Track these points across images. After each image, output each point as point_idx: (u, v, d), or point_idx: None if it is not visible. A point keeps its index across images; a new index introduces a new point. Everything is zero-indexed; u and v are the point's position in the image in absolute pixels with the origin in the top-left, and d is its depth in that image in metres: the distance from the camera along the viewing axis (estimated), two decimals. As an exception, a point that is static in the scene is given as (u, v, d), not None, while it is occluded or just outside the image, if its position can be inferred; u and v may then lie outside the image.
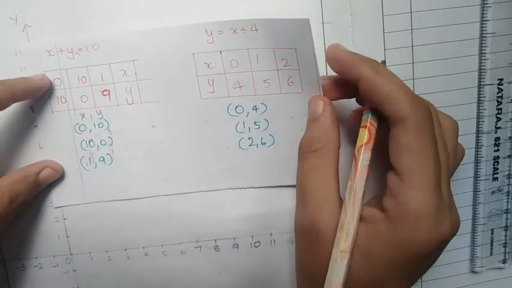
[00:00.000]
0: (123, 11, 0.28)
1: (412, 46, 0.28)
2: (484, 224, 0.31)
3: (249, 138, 0.28)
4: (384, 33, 0.28)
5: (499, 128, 0.30)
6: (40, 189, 0.28)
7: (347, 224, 0.22)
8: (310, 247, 0.23)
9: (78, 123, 0.28)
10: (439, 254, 0.23)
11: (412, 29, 0.28)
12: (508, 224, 0.32)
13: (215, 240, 0.29)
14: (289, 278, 0.30)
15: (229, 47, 0.27)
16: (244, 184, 0.29)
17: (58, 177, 0.28)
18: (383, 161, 0.23)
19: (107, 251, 0.30)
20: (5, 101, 0.25)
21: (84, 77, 0.28)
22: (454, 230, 0.22)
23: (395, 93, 0.21)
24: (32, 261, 0.30)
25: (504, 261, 0.32)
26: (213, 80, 0.27)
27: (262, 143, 0.28)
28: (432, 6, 0.27)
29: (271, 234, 0.29)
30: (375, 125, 0.23)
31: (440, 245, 0.21)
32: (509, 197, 0.31)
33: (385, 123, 0.23)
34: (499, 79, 0.29)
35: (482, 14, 0.28)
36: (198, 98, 0.28)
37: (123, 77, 0.28)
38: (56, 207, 0.29)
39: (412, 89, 0.29)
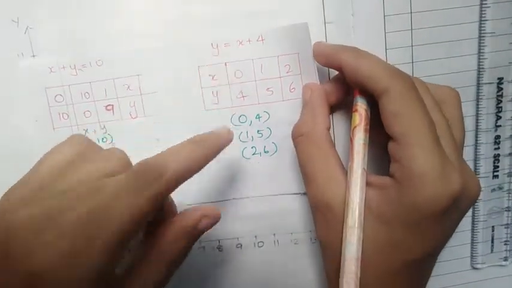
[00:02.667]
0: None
1: (412, 46, 0.28)
2: (484, 221, 0.31)
3: (252, 147, 0.29)
4: (385, 33, 0.28)
5: (499, 126, 0.30)
6: None
7: (351, 201, 0.22)
8: (325, 222, 0.24)
9: None
10: (461, 213, 0.23)
11: (412, 29, 0.28)
12: (509, 222, 0.32)
13: (218, 241, 0.30)
14: (292, 279, 0.30)
15: (235, 58, 0.27)
16: (249, 194, 0.29)
17: None
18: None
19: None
20: (202, 163, 0.22)
21: (87, 92, 0.28)
22: (469, 188, 0.22)
23: (375, 70, 0.22)
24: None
25: (506, 258, 0.32)
26: (217, 92, 0.28)
27: (265, 152, 0.29)
28: (432, 6, 0.28)
29: (274, 234, 0.30)
30: (364, 107, 0.24)
31: (454, 201, 0.21)
32: (510, 195, 0.31)
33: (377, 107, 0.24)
34: (498, 78, 0.29)
35: (481, 13, 0.28)
36: (202, 109, 0.28)
37: (127, 91, 0.28)
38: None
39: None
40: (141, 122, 0.28)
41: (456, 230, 0.31)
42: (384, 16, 0.28)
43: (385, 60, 0.28)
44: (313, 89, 0.26)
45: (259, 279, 0.30)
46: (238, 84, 0.28)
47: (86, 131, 0.28)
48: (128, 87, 0.28)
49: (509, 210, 0.32)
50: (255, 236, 0.29)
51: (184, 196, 0.28)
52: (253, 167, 0.29)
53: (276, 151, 0.29)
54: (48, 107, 0.28)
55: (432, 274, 0.31)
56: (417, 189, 0.21)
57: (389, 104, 0.22)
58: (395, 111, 0.22)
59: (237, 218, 0.29)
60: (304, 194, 0.29)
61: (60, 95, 0.28)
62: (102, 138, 0.28)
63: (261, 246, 0.30)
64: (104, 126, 0.28)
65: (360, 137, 0.23)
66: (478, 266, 0.32)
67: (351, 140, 0.24)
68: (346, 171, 0.24)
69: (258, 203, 0.29)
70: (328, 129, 0.25)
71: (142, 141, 0.28)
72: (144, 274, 0.21)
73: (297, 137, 0.25)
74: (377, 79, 0.22)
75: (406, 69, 0.28)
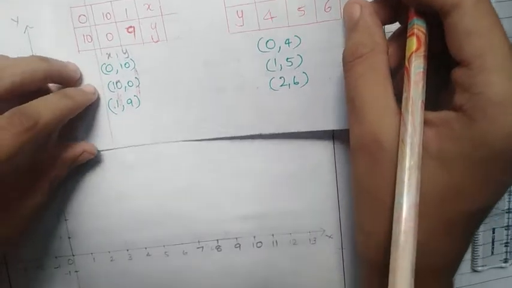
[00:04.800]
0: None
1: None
2: (485, 223, 0.31)
3: (280, 78, 0.26)
4: (385, 32, 0.28)
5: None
6: None
7: (409, 137, 0.19)
8: (373, 165, 0.21)
9: (104, 63, 0.27)
10: None
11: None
12: (510, 224, 0.32)
13: (217, 241, 0.29)
14: (291, 279, 0.30)
15: None
16: (276, 129, 0.27)
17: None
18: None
19: (109, 252, 0.30)
20: (71, 114, 0.26)
21: (108, 13, 0.27)
22: None
23: None
24: (34, 262, 0.30)
25: (506, 260, 0.32)
26: (242, 11, 0.26)
27: (294, 83, 0.26)
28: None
29: (273, 235, 0.29)
30: (423, 30, 0.21)
31: None
32: (511, 197, 0.31)
33: (436, 30, 0.21)
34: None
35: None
36: (226, 32, 0.26)
37: (147, 11, 0.27)
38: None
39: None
40: (163, 46, 0.27)
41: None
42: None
43: None
44: (364, 5, 0.22)
45: (258, 280, 0.30)
46: (266, 3, 0.25)
47: (109, 55, 0.27)
48: (149, 6, 0.26)
49: (509, 212, 0.32)
50: (254, 237, 0.29)
51: (204, 130, 0.27)
52: (281, 100, 0.27)
53: (307, 82, 0.26)
54: (73, 29, 0.27)
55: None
56: (492, 121, 0.17)
57: (462, 20, 0.18)
58: (468, 29, 0.18)
59: (236, 218, 0.29)
60: (334, 132, 0.27)
61: (84, 15, 0.27)
62: (125, 64, 0.27)
63: (260, 247, 0.29)
64: (126, 51, 0.27)
65: (418, 65, 0.20)
66: (479, 268, 0.32)
67: (406, 69, 0.20)
68: (396, 103, 0.21)
69: (257, 203, 0.29)
70: (388, 52, 0.21)
71: (165, 66, 0.27)
72: (30, 194, 0.25)
73: (352, 60, 0.22)
74: None
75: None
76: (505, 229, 0.32)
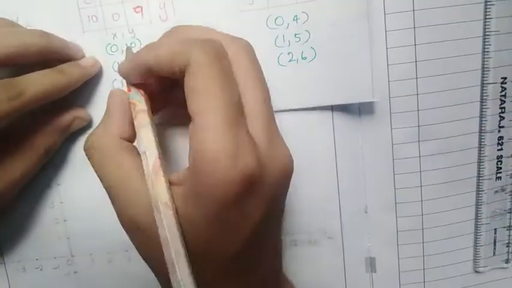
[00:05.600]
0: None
1: (415, 45, 0.28)
2: (487, 223, 0.31)
3: (288, 53, 0.27)
4: (385, 31, 0.27)
5: (502, 127, 0.30)
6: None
7: (152, 199, 0.20)
8: (141, 242, 0.22)
9: (110, 44, 0.27)
10: (270, 190, 0.20)
11: (414, 27, 0.27)
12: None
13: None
14: (291, 280, 0.30)
15: None
16: (284, 105, 0.27)
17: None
18: None
19: (108, 253, 0.30)
20: (63, 90, 0.26)
21: None
22: (271, 163, 0.20)
23: (173, 49, 0.20)
24: (32, 263, 0.30)
25: (507, 261, 0.32)
26: None
27: (302, 58, 0.27)
28: (435, 4, 0.27)
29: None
30: (135, 101, 0.22)
31: (250, 182, 0.19)
32: (513, 197, 0.31)
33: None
34: (502, 77, 0.29)
35: (486, 11, 0.27)
36: (236, 10, 0.27)
37: None
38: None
39: (415, 88, 0.28)
40: (172, 25, 0.26)
41: (458, 234, 0.31)
42: (385, 15, 0.27)
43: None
44: (115, 94, 0.23)
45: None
46: None
47: (115, 35, 0.27)
48: None
49: (511, 212, 0.31)
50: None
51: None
52: (290, 75, 0.27)
53: (314, 57, 0.27)
54: (78, 9, 0.27)
55: (434, 278, 0.31)
56: (208, 175, 0.19)
57: (188, 80, 0.20)
58: (193, 88, 0.20)
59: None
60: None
61: None
62: (131, 43, 0.27)
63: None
64: (133, 30, 0.27)
65: (136, 124, 0.22)
66: (481, 269, 0.32)
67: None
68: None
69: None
70: (126, 138, 0.22)
71: None
72: (19, 160, 0.26)
73: (88, 149, 0.23)
74: (178, 56, 0.20)
75: (409, 70, 0.28)
76: (507, 229, 0.32)
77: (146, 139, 0.21)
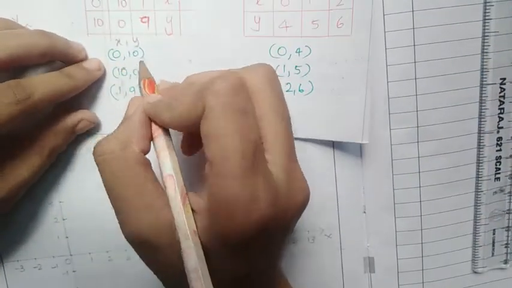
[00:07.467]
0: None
1: (414, 45, 0.28)
2: (486, 224, 0.31)
3: (287, 84, 0.27)
4: (385, 32, 0.27)
5: (501, 128, 0.30)
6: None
7: (177, 224, 0.20)
8: (149, 258, 0.22)
9: (112, 49, 0.28)
10: (284, 227, 0.21)
11: (414, 28, 0.27)
12: (510, 225, 0.32)
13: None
14: (289, 278, 0.30)
15: None
16: None
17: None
18: None
19: (107, 252, 0.30)
20: (69, 93, 0.26)
21: (124, 0, 0.27)
22: (289, 202, 0.20)
23: (186, 102, 0.20)
24: (31, 262, 0.30)
25: (506, 261, 0.32)
26: (259, 18, 0.27)
27: (300, 90, 0.27)
28: (434, 4, 0.27)
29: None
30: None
31: (265, 225, 0.19)
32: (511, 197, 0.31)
33: None
34: (501, 78, 0.29)
35: (485, 12, 0.28)
36: (241, 35, 0.27)
37: (165, 4, 0.27)
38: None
39: (414, 89, 0.28)
40: (176, 40, 0.27)
41: (457, 235, 0.31)
42: (384, 15, 0.27)
43: (384, 59, 0.27)
44: (136, 104, 0.23)
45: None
46: (283, 13, 0.26)
47: (118, 41, 0.27)
48: (167, 0, 0.27)
49: (510, 213, 0.31)
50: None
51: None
52: None
53: (311, 91, 0.27)
54: (85, 11, 0.27)
55: (433, 279, 0.32)
56: (224, 219, 0.19)
57: (204, 125, 0.19)
58: (209, 134, 0.19)
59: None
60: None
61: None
62: (134, 52, 0.28)
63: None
64: (137, 39, 0.27)
65: (158, 144, 0.21)
66: (479, 270, 0.32)
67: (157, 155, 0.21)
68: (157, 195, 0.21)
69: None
70: (145, 152, 0.22)
71: (174, 60, 0.27)
72: (25, 162, 0.26)
73: (101, 155, 0.22)
74: (194, 108, 0.20)
75: (408, 70, 0.28)
76: (506, 230, 0.32)
77: (173, 162, 0.21)
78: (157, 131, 0.22)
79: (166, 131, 0.22)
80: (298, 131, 0.27)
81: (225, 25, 0.27)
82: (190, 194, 0.21)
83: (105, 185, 0.22)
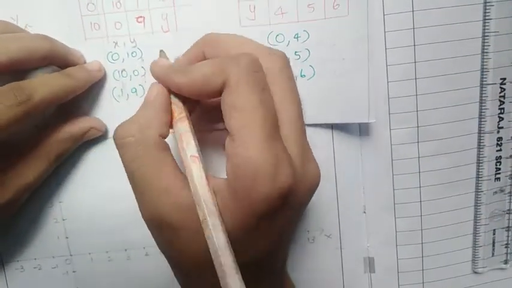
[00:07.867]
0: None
1: (414, 45, 0.28)
2: (486, 224, 0.31)
3: None
4: (385, 32, 0.27)
5: (501, 128, 0.30)
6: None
7: (197, 201, 0.20)
8: (167, 239, 0.22)
9: (111, 52, 0.28)
10: (299, 205, 0.22)
11: (414, 28, 0.27)
12: (510, 225, 0.32)
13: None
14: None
15: None
16: None
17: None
18: None
19: (107, 252, 0.30)
20: (70, 93, 0.26)
21: (118, 2, 0.27)
22: (304, 180, 0.21)
23: (208, 72, 0.21)
24: (31, 262, 0.30)
25: (506, 261, 0.32)
26: (254, 6, 0.27)
27: (301, 75, 0.27)
28: (434, 4, 0.27)
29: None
30: (176, 101, 0.23)
31: (285, 198, 0.20)
32: (512, 198, 0.31)
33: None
34: (501, 78, 0.29)
35: (485, 12, 0.28)
36: (238, 25, 0.27)
37: (159, 2, 0.27)
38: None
39: (414, 89, 0.28)
40: (173, 37, 0.27)
41: (457, 235, 0.31)
42: (384, 15, 0.27)
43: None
44: (157, 89, 0.23)
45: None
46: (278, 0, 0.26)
47: (116, 44, 0.27)
48: None
49: (510, 213, 0.31)
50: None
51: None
52: None
53: (313, 75, 0.27)
54: (81, 16, 0.27)
55: (433, 279, 0.31)
56: (248, 190, 0.19)
57: (227, 97, 0.20)
58: (232, 105, 0.20)
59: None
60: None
61: (92, 3, 0.27)
62: (132, 53, 0.27)
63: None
64: (134, 40, 0.27)
65: (181, 127, 0.22)
66: (479, 270, 0.32)
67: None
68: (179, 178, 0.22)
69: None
70: (164, 136, 0.22)
71: (173, 57, 0.27)
72: (31, 166, 0.26)
73: (126, 137, 0.22)
74: (213, 77, 0.21)
75: (408, 70, 0.28)
76: (506, 230, 0.32)
77: (196, 145, 0.22)
78: (180, 114, 0.22)
79: (188, 115, 0.23)
80: (304, 116, 0.27)
81: (221, 17, 0.27)
82: (208, 176, 0.21)
83: (125, 168, 0.22)
